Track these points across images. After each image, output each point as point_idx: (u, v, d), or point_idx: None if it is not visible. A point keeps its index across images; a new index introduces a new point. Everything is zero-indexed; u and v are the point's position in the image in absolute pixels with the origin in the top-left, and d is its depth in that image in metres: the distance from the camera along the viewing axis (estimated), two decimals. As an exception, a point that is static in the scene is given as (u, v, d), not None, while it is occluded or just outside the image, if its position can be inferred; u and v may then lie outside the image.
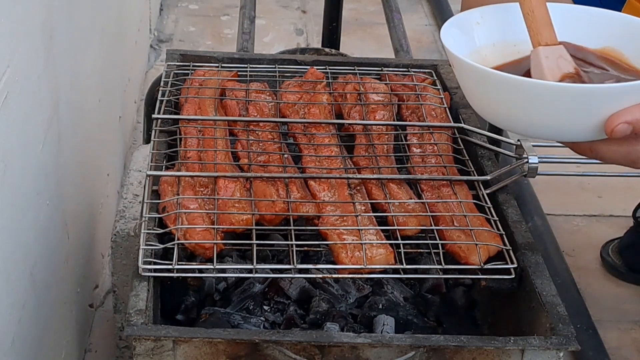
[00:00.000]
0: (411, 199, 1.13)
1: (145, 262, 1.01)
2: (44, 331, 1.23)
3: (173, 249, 1.03)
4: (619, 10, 1.25)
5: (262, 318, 1.11)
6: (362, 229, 1.06)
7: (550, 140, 1.00)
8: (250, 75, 1.36)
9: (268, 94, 1.30)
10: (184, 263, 1.03)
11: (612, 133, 0.85)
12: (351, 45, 2.57)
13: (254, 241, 1.04)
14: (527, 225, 1.15)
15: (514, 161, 1.18)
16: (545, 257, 1.13)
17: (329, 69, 1.36)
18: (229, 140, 1.21)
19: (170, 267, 1.01)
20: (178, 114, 1.26)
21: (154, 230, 1.05)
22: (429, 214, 1.10)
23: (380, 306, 1.12)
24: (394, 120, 1.26)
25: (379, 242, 1.05)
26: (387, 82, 1.33)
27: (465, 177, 1.18)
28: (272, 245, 1.16)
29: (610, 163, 0.94)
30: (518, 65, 1.01)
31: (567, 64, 0.94)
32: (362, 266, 1.02)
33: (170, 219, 1.06)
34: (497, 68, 1.00)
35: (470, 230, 1.07)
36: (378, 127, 1.24)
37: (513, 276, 1.04)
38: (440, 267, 1.04)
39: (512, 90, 0.92)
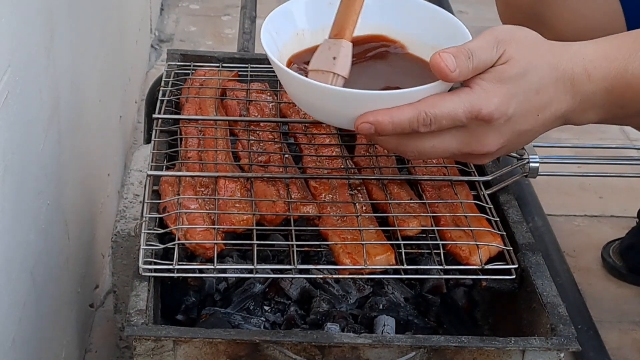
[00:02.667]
0: (412, 199, 1.12)
1: (145, 262, 1.01)
2: (44, 331, 1.23)
3: (173, 249, 1.03)
4: None
5: (262, 318, 1.11)
6: (362, 230, 1.06)
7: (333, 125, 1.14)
8: (251, 75, 1.36)
9: (269, 94, 1.30)
10: (184, 263, 1.03)
11: (357, 129, 0.95)
12: (352, 45, 2.56)
13: (255, 241, 1.04)
14: (527, 225, 1.15)
15: (514, 161, 1.18)
16: (546, 258, 1.13)
17: (330, 69, 1.36)
18: (229, 140, 1.21)
19: (170, 267, 1.01)
20: (179, 113, 1.26)
21: (155, 230, 1.05)
22: (430, 214, 1.10)
23: (381, 306, 1.12)
24: (394, 121, 1.26)
25: (379, 242, 1.05)
26: (388, 82, 1.33)
27: (466, 178, 1.17)
28: (273, 245, 1.16)
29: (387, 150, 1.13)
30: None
31: (329, 62, 1.02)
32: (363, 266, 1.02)
33: (170, 219, 1.06)
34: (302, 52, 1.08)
35: (471, 230, 1.07)
36: (379, 127, 1.24)
37: (514, 277, 1.04)
38: (441, 267, 1.04)
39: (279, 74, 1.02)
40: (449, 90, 0.96)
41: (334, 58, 1.01)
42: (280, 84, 1.34)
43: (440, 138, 0.96)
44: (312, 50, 1.05)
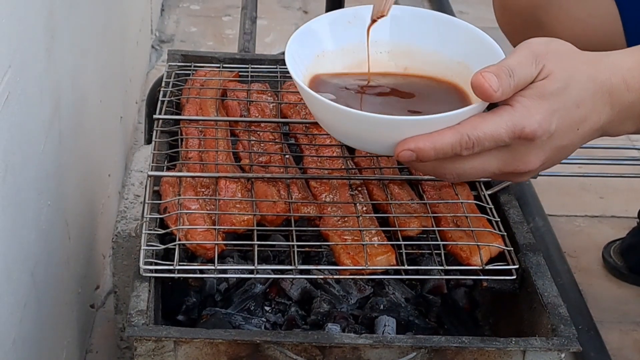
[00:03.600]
0: (412, 199, 1.12)
1: (146, 263, 1.01)
2: (45, 331, 1.23)
3: (174, 249, 1.03)
4: None
5: (263, 319, 1.11)
6: (363, 230, 1.06)
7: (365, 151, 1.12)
8: (251, 75, 1.36)
9: (269, 94, 1.30)
10: (185, 264, 1.03)
11: (398, 157, 0.92)
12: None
13: (255, 242, 1.04)
14: (528, 226, 1.15)
15: (515, 162, 1.17)
16: (546, 258, 1.13)
17: (331, 70, 1.36)
18: (230, 140, 1.21)
19: (171, 267, 1.01)
20: (179, 114, 1.26)
21: (155, 230, 1.05)
22: (430, 214, 1.10)
23: (382, 307, 1.12)
24: (395, 121, 1.26)
25: (380, 242, 1.05)
26: (389, 82, 1.33)
27: (466, 178, 1.17)
28: (273, 245, 1.16)
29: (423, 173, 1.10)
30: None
31: None
32: (364, 267, 1.02)
33: (171, 220, 1.06)
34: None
35: (472, 231, 1.07)
36: (379, 127, 1.24)
37: (514, 277, 1.04)
38: (441, 267, 1.04)
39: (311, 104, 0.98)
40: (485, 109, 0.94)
41: None
42: (281, 84, 1.34)
43: (481, 159, 0.93)
44: (337, 76, 1.05)
